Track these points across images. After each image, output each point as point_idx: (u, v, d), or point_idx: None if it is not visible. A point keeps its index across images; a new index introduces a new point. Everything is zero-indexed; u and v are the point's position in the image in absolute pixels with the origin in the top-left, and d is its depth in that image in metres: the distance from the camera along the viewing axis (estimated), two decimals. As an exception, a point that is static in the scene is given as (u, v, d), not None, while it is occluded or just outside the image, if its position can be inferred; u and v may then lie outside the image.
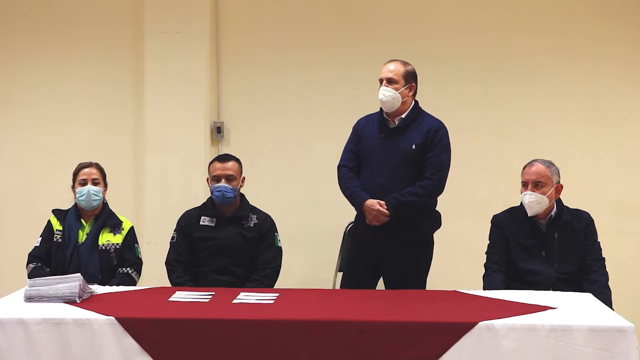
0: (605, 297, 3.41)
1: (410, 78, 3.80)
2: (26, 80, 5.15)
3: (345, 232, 4.42)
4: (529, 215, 3.65)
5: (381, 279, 3.90)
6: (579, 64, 4.95)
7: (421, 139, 3.75)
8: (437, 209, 3.88)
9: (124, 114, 5.09)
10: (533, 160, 3.71)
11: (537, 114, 4.96)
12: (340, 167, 3.91)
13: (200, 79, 4.93)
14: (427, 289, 3.82)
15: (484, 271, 3.75)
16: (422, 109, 3.88)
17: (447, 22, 5.00)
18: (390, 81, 3.76)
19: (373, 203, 3.68)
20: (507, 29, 4.97)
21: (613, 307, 3.28)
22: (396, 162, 3.73)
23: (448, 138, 3.82)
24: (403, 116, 3.80)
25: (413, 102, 3.84)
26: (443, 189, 3.80)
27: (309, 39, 5.05)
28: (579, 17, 4.95)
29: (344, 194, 3.86)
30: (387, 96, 3.75)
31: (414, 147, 3.74)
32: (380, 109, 3.85)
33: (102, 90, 5.11)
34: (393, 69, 3.78)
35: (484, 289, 3.58)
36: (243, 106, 5.08)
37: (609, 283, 3.60)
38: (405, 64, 3.83)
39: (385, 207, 3.67)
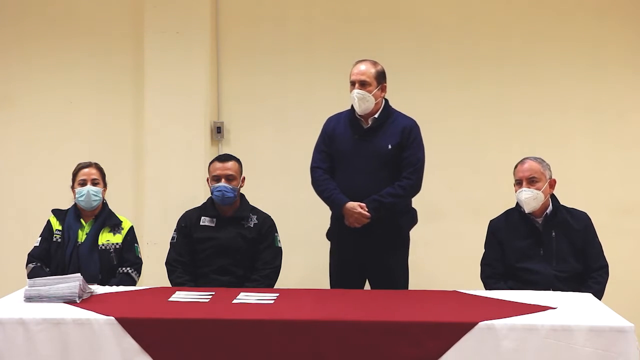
0: None
1: (382, 79, 3.80)
2: (26, 80, 5.15)
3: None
4: (526, 211, 3.65)
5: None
6: (579, 64, 4.94)
7: (397, 138, 3.76)
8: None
9: (124, 114, 5.09)
10: (524, 159, 3.72)
11: (537, 114, 4.95)
12: (314, 169, 3.90)
13: (200, 79, 4.93)
14: (429, 289, 3.82)
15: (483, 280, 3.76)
16: (392, 107, 3.88)
17: (446, 23, 5.00)
18: (362, 84, 3.75)
19: (354, 206, 3.69)
20: (507, 29, 4.97)
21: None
22: (372, 162, 3.74)
23: (421, 136, 3.84)
24: (376, 116, 3.80)
25: (384, 101, 3.84)
26: (420, 187, 3.82)
27: (308, 39, 5.04)
28: (580, 17, 4.94)
29: (320, 196, 3.85)
30: (361, 99, 3.74)
31: (389, 147, 3.75)
32: (351, 108, 3.85)
33: (102, 90, 5.11)
34: (364, 71, 3.77)
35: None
36: (243, 106, 5.08)
37: (610, 283, 3.62)
38: (375, 64, 3.82)
39: (366, 209, 3.68)
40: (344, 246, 3.87)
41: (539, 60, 4.95)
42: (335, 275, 3.93)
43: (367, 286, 3.94)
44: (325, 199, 3.84)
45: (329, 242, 4.57)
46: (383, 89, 3.82)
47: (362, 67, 3.78)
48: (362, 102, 3.74)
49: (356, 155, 3.76)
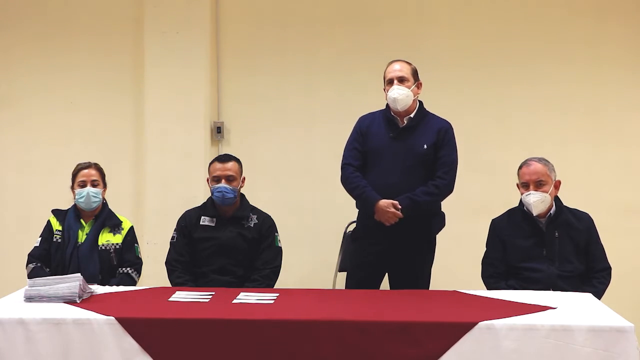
0: None
1: (417, 76, 3.84)
2: (26, 80, 5.16)
3: (345, 232, 4.41)
4: (534, 214, 3.64)
5: (386, 277, 3.91)
6: (579, 65, 4.95)
7: (432, 139, 3.76)
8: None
9: (124, 114, 5.09)
10: (528, 160, 3.70)
11: (537, 114, 4.96)
12: (345, 166, 3.86)
13: (200, 79, 4.94)
14: (429, 289, 3.82)
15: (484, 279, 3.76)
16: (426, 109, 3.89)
17: (448, 25, 5.01)
18: (401, 80, 3.76)
19: (387, 204, 3.66)
20: (506, 30, 4.97)
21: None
22: (407, 161, 3.73)
23: (455, 138, 3.85)
24: (412, 115, 3.80)
25: (418, 102, 3.85)
26: (453, 188, 3.82)
27: (309, 39, 5.05)
28: (579, 19, 4.95)
29: (351, 194, 3.83)
30: (402, 94, 3.74)
31: (425, 147, 3.75)
32: (386, 107, 3.84)
33: (102, 90, 5.11)
34: (401, 68, 3.79)
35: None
36: (243, 106, 5.08)
37: (611, 283, 3.63)
38: (409, 63, 3.85)
39: (400, 206, 3.66)
40: (368, 247, 3.82)
41: (539, 60, 4.95)
42: (353, 275, 3.92)
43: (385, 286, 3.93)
44: (356, 197, 3.81)
45: (329, 242, 4.60)
46: (419, 87, 3.84)
47: (397, 65, 3.81)
48: (402, 97, 3.73)
49: (391, 154, 3.74)
